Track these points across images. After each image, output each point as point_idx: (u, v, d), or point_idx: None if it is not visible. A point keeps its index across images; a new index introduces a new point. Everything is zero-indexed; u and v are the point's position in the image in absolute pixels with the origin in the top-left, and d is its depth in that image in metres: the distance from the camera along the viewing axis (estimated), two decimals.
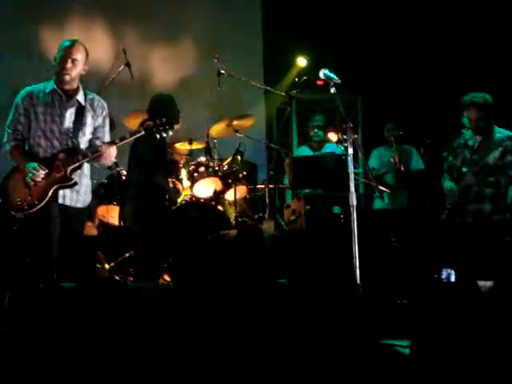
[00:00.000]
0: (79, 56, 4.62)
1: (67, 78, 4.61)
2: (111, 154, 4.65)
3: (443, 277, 5.46)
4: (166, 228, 6.22)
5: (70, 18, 9.11)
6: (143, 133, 4.73)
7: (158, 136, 4.73)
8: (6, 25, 8.64)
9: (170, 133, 4.80)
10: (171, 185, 6.65)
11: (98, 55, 8.86)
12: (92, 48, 8.64)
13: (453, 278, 5.44)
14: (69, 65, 4.58)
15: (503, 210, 5.77)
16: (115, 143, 4.66)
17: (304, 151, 7.92)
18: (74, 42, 4.67)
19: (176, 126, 4.90)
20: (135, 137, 4.80)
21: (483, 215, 5.70)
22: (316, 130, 7.93)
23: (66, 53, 4.60)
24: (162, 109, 6.05)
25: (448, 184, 5.84)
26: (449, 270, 5.45)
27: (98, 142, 4.71)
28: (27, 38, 8.72)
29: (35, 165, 4.51)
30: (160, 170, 6.11)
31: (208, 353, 4.07)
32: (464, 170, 5.79)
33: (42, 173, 4.50)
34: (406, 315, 4.62)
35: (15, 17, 8.76)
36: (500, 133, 5.79)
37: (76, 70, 4.62)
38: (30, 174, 4.49)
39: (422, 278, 5.40)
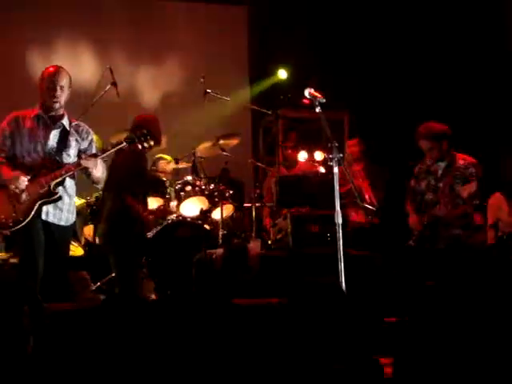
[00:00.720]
0: (65, 82, 4.73)
1: (57, 105, 4.70)
2: (96, 165, 4.65)
3: None
4: (140, 250, 6.16)
5: (56, 36, 9.13)
6: (124, 144, 4.75)
7: (139, 146, 4.75)
8: None
9: (152, 143, 4.80)
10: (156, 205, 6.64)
11: (85, 74, 8.91)
12: (79, 67, 8.94)
13: None
14: (58, 92, 4.67)
15: (473, 234, 5.85)
16: (97, 156, 4.68)
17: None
18: (58, 69, 4.77)
19: (158, 146, 4.88)
20: (117, 148, 4.82)
21: (455, 239, 5.75)
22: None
23: (53, 80, 4.67)
24: (145, 127, 5.98)
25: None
26: None
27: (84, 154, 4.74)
28: (13, 55, 8.75)
29: (16, 173, 4.54)
30: (132, 191, 6.02)
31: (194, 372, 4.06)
32: (428, 196, 5.84)
33: (24, 180, 4.52)
34: (392, 333, 4.64)
35: (2, 35, 8.78)
36: (463, 159, 5.86)
37: (64, 96, 4.72)
38: (14, 184, 4.51)
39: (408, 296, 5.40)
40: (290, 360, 3.58)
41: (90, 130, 4.95)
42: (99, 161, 4.69)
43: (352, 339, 3.65)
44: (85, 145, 4.82)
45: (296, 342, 3.53)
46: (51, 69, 4.78)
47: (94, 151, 4.87)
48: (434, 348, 3.32)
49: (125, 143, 4.76)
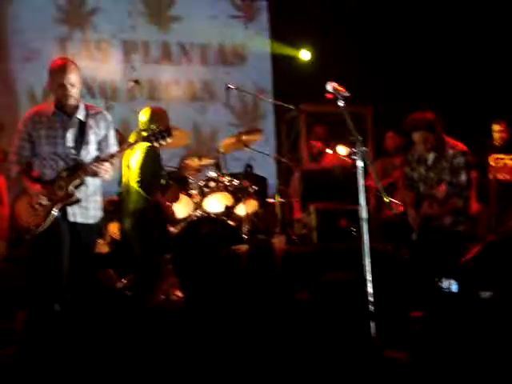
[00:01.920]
0: (75, 77, 4.62)
1: (71, 101, 4.64)
2: (106, 169, 4.63)
3: (444, 287, 5.41)
4: (166, 246, 6.17)
5: (91, 38, 9.18)
6: (140, 142, 4.72)
7: (156, 144, 4.71)
8: (43, 26, 8.75)
9: (169, 140, 4.76)
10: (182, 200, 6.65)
11: (108, 72, 8.94)
12: (102, 65, 8.96)
13: (454, 288, 5.39)
14: (69, 91, 4.60)
15: (465, 221, 5.67)
16: (112, 156, 4.65)
17: None
18: (65, 65, 4.62)
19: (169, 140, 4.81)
20: (132, 146, 4.81)
21: (445, 228, 5.62)
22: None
23: (63, 79, 4.57)
24: (158, 121, 5.96)
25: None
26: (450, 280, 5.40)
27: (102, 155, 4.70)
28: (62, 40, 8.86)
29: (37, 189, 4.56)
30: (156, 185, 6.04)
31: (217, 368, 4.06)
32: (419, 185, 5.74)
33: (44, 195, 4.54)
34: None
35: (52, 19, 8.89)
36: (452, 148, 5.67)
37: (77, 90, 4.64)
38: (35, 198, 4.55)
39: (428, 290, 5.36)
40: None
41: (109, 116, 4.85)
42: (109, 165, 4.64)
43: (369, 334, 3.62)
44: (102, 134, 4.76)
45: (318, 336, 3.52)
46: (58, 64, 4.63)
47: (111, 139, 4.82)
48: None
49: (141, 141, 4.73)
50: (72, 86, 4.59)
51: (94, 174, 4.63)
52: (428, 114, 5.71)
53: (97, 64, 8.69)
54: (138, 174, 5.79)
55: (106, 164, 4.60)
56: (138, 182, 5.81)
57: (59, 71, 4.60)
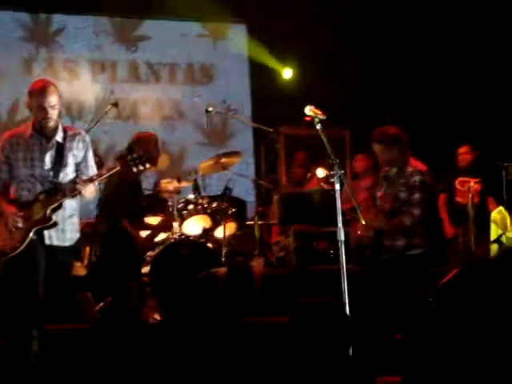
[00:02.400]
0: (55, 99, 4.60)
1: (51, 123, 4.62)
2: (90, 190, 4.61)
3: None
4: (135, 270, 6.14)
5: (57, 58, 9.18)
6: (118, 168, 4.68)
7: (134, 170, 4.69)
8: (7, 45, 8.78)
9: (148, 166, 4.74)
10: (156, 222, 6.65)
11: (87, 95, 8.94)
12: (80, 88, 8.96)
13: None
14: (49, 114, 4.58)
15: (420, 243, 5.57)
16: (92, 180, 4.63)
17: None
18: (45, 88, 4.59)
19: (154, 167, 4.82)
20: (112, 172, 4.74)
21: (397, 251, 5.54)
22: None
23: (43, 101, 4.55)
24: (141, 146, 5.96)
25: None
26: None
27: (83, 177, 4.67)
28: (27, 60, 8.85)
29: (13, 211, 4.52)
30: (126, 212, 6.00)
31: None
32: (381, 203, 5.74)
33: (20, 217, 4.50)
34: (399, 351, 4.60)
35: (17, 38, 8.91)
36: (412, 166, 5.62)
37: (56, 112, 4.62)
38: (10, 220, 4.50)
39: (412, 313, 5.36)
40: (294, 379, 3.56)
41: (87, 137, 4.83)
42: (92, 185, 4.63)
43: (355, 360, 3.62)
44: (81, 156, 4.73)
45: (300, 361, 3.51)
46: (38, 87, 4.60)
47: (89, 162, 4.79)
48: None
49: (118, 167, 4.69)
50: (52, 108, 4.58)
51: (74, 195, 4.60)
52: (391, 128, 5.68)
53: (64, 84, 8.64)
54: (104, 198, 5.82)
55: (89, 186, 4.58)
56: (103, 205, 5.83)
57: (39, 93, 4.57)
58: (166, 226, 6.66)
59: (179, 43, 9.51)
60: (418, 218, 5.51)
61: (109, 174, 4.69)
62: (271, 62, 9.30)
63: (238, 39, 9.84)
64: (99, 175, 4.67)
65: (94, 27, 9.22)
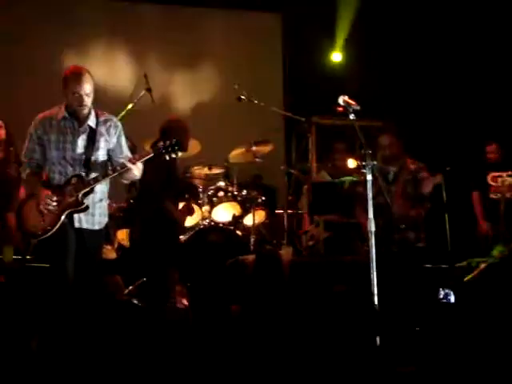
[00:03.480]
0: (90, 87, 4.64)
1: (86, 110, 4.67)
2: (140, 166, 4.66)
3: (441, 297, 5.42)
4: (176, 254, 6.17)
5: (93, 43, 9.26)
6: (152, 154, 4.71)
7: (167, 157, 4.72)
8: (32, 46, 8.85)
9: (180, 154, 4.77)
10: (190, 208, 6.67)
11: (121, 80, 9.00)
12: (114, 73, 9.03)
13: (452, 299, 5.40)
14: (85, 101, 4.63)
15: (424, 238, 5.83)
16: (136, 158, 4.66)
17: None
18: (81, 75, 4.63)
19: (180, 153, 4.82)
20: (146, 158, 4.76)
21: (408, 243, 5.73)
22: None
23: (79, 88, 4.59)
24: (172, 132, 5.99)
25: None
26: (446, 290, 5.42)
27: (121, 160, 4.71)
28: (51, 58, 8.88)
29: (46, 193, 4.57)
30: (168, 196, 6.04)
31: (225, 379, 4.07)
32: (379, 200, 5.71)
33: (53, 200, 4.55)
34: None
35: (41, 38, 8.96)
36: (413, 164, 5.91)
37: (90, 99, 4.67)
38: (43, 202, 4.55)
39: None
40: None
41: (118, 123, 4.88)
42: (140, 163, 4.68)
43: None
44: (113, 142, 4.77)
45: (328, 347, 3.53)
46: (74, 74, 4.64)
47: (124, 147, 4.83)
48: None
49: (152, 153, 4.72)
50: (87, 95, 4.63)
51: (121, 175, 4.64)
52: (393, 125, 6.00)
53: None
54: (144, 183, 5.83)
55: (139, 163, 4.63)
56: (144, 191, 5.84)
57: (74, 80, 4.62)
58: (188, 210, 6.66)
59: (205, 36, 9.52)
60: (427, 210, 5.81)
61: (144, 159, 4.72)
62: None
63: (271, 28, 9.83)
64: (135, 160, 4.69)
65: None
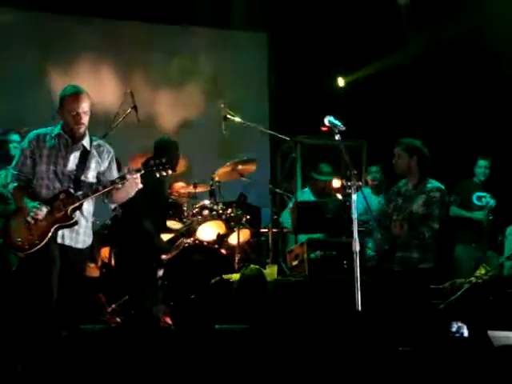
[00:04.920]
0: (88, 106, 4.69)
1: (83, 129, 4.69)
2: (137, 181, 4.66)
3: (453, 330, 5.38)
4: (151, 274, 6.15)
5: (79, 60, 9.26)
6: (142, 172, 4.72)
7: (157, 175, 4.74)
8: (19, 62, 8.83)
9: (169, 172, 4.79)
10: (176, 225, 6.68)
11: (106, 98, 9.00)
12: (100, 90, 9.02)
13: (465, 332, 5.34)
14: (82, 119, 4.65)
15: (431, 258, 5.75)
16: (116, 182, 4.66)
17: (307, 195, 7.82)
18: (80, 94, 4.68)
19: (170, 172, 4.85)
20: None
21: (411, 263, 5.68)
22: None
23: (77, 107, 4.63)
24: (163, 151, 6.07)
25: (377, 234, 5.90)
26: (459, 324, 5.38)
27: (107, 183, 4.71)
28: (38, 75, 8.91)
29: (36, 204, 4.54)
30: (149, 215, 6.03)
31: None
32: (394, 217, 5.79)
33: (43, 211, 4.52)
34: (409, 362, 4.60)
35: (28, 55, 8.94)
36: (431, 183, 5.84)
37: (87, 118, 4.70)
38: (31, 213, 4.52)
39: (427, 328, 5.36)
40: None
41: (111, 149, 4.91)
42: (138, 177, 4.67)
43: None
44: (105, 165, 4.81)
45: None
46: (73, 94, 4.68)
47: (114, 172, 4.86)
48: None
49: (143, 170, 4.73)
50: (84, 113, 4.66)
51: (110, 193, 4.65)
52: (416, 141, 5.90)
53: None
54: (131, 202, 5.84)
55: (135, 176, 4.62)
56: (126, 208, 5.85)
57: (72, 99, 4.65)
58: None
59: (190, 54, 9.56)
60: (436, 232, 5.67)
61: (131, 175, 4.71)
62: None
63: (257, 47, 9.88)
64: (124, 178, 4.68)
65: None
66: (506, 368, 4.07)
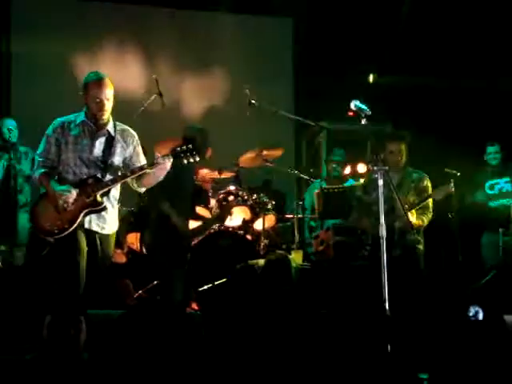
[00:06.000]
0: (110, 92, 4.71)
1: (106, 115, 4.71)
2: (167, 165, 4.69)
3: (470, 314, 5.39)
4: (180, 258, 6.17)
5: (104, 47, 9.29)
6: (171, 158, 4.74)
7: (184, 161, 4.75)
8: (45, 49, 8.86)
9: (197, 159, 4.80)
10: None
11: (131, 84, 9.02)
12: (125, 77, 9.05)
13: (480, 316, 5.36)
14: (106, 106, 4.68)
15: (420, 241, 5.95)
16: (146, 167, 4.70)
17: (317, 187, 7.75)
18: (102, 80, 4.69)
19: (198, 159, 4.87)
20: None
21: (407, 245, 5.82)
22: (334, 166, 7.70)
23: (100, 94, 4.65)
24: (192, 138, 6.05)
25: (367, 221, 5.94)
26: (476, 308, 5.38)
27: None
28: (64, 62, 8.96)
29: (65, 187, 4.57)
30: (175, 201, 6.04)
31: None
32: (375, 207, 5.72)
33: (73, 194, 4.55)
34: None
35: (54, 41, 8.95)
36: (415, 173, 6.02)
37: (110, 104, 4.72)
38: (63, 196, 4.54)
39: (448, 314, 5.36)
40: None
41: (135, 133, 4.93)
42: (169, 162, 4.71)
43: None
44: (130, 150, 4.83)
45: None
46: (96, 81, 4.69)
47: (141, 156, 4.88)
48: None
49: (171, 157, 4.75)
50: (107, 100, 4.68)
51: (142, 176, 4.68)
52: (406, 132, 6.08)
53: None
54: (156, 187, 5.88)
55: (168, 161, 4.66)
56: (151, 193, 5.88)
57: (95, 85, 4.68)
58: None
59: (215, 41, 9.53)
60: (430, 219, 5.94)
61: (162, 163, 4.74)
62: None
63: (283, 32, 9.83)
64: (153, 165, 4.71)
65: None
66: None
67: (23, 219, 6.87)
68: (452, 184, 6.02)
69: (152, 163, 4.68)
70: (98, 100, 4.65)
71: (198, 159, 4.79)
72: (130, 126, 5.01)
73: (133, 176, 4.68)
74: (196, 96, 9.54)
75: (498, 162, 7.68)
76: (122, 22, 9.36)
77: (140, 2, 9.36)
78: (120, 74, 9.15)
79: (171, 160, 4.69)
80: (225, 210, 6.86)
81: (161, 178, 4.83)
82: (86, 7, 9.24)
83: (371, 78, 8.96)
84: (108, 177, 4.66)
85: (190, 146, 4.75)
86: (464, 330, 5.00)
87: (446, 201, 6.38)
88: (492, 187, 7.63)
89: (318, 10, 9.22)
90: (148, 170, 4.68)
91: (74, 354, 4.43)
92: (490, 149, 7.70)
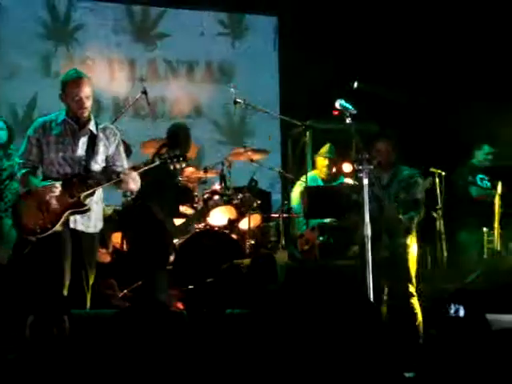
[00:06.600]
0: (90, 90, 4.71)
1: (85, 114, 4.69)
2: (135, 178, 4.68)
3: (451, 312, 5.42)
4: (164, 257, 6.16)
5: (90, 45, 9.21)
6: (158, 163, 4.75)
7: (171, 167, 4.76)
8: (26, 43, 8.73)
9: (183, 165, 4.82)
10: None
11: (116, 82, 8.97)
12: (110, 75, 8.99)
13: (462, 313, 5.40)
14: (86, 104, 4.65)
15: (415, 243, 5.81)
16: (135, 169, 4.71)
17: (315, 180, 7.79)
18: (81, 79, 4.69)
19: (184, 165, 4.90)
20: (151, 166, 4.82)
21: (399, 248, 5.69)
22: (327, 163, 7.75)
23: (79, 92, 4.64)
24: (176, 136, 6.05)
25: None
26: (457, 306, 5.42)
27: (119, 169, 4.74)
28: (45, 57, 8.85)
29: (47, 182, 4.56)
30: (160, 201, 6.03)
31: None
32: (371, 205, 5.71)
33: (57, 187, 4.53)
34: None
35: (36, 35, 8.86)
36: (406, 170, 5.87)
37: (90, 103, 4.71)
38: (48, 190, 4.51)
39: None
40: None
41: (117, 131, 4.92)
42: (135, 174, 4.70)
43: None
44: (112, 149, 4.81)
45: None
46: (75, 79, 4.69)
47: (122, 155, 4.86)
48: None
49: (158, 162, 4.76)
50: (87, 98, 4.65)
51: (116, 184, 4.66)
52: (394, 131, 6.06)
53: None
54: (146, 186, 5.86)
55: (133, 174, 4.65)
56: (138, 194, 5.87)
57: (74, 83, 4.65)
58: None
59: (197, 41, 9.46)
60: (421, 217, 5.78)
61: (147, 168, 4.75)
62: None
63: (267, 30, 9.81)
64: (136, 168, 4.73)
65: (113, 24, 9.16)
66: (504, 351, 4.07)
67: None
68: (431, 178, 6.03)
69: (118, 174, 4.64)
70: (77, 98, 4.63)
71: (184, 165, 4.80)
72: (115, 125, 5.01)
73: (110, 183, 4.66)
74: (181, 95, 9.49)
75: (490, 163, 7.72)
76: (106, 21, 9.24)
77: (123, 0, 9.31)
78: (106, 73, 9.12)
79: (134, 172, 4.66)
80: (207, 205, 6.85)
81: (133, 188, 4.80)
82: (67, 4, 9.12)
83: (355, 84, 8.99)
84: (93, 177, 4.64)
85: (177, 151, 4.75)
86: (446, 328, 5.02)
87: (429, 199, 6.45)
88: (482, 181, 7.66)
89: (302, 8, 9.20)
90: (117, 179, 4.66)
91: (56, 353, 4.40)
92: (487, 148, 7.72)
